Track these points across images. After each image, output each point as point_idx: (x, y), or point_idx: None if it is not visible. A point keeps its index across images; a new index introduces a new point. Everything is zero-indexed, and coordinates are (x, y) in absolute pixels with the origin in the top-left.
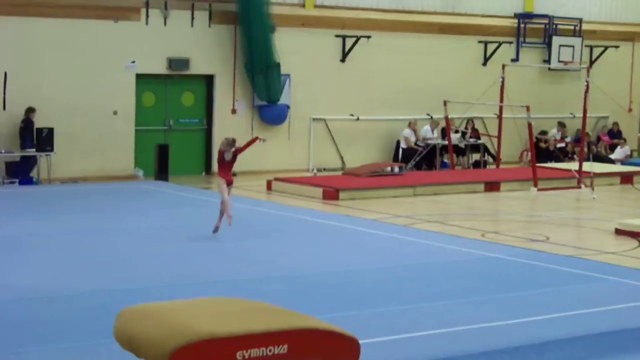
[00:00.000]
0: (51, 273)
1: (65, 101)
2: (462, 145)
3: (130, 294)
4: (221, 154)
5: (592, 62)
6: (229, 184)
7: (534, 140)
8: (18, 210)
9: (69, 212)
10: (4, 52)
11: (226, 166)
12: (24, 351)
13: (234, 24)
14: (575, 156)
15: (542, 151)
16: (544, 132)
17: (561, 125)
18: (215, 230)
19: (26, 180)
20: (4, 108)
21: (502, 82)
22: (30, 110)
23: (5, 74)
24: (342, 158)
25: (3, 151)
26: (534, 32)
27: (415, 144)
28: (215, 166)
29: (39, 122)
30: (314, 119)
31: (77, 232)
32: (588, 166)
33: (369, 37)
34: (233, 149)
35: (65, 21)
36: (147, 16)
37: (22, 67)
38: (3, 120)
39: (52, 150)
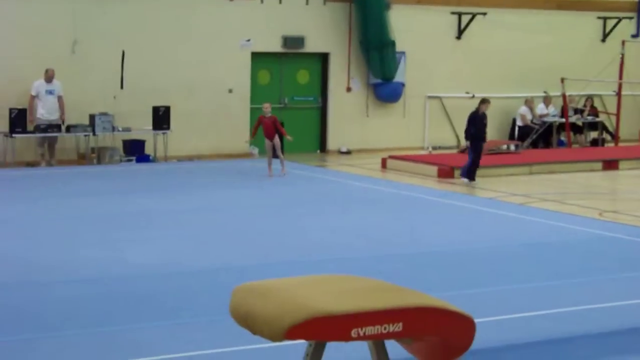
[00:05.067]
0: (167, 250)
1: (181, 80)
2: (579, 123)
3: (245, 271)
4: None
5: None
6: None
7: None
8: (135, 188)
9: (185, 189)
10: (122, 32)
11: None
12: (141, 326)
13: (349, 1)
14: None
15: None
16: None
17: None
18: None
19: (143, 158)
20: (122, 87)
21: (622, 59)
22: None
23: (123, 52)
24: (457, 136)
25: (121, 129)
26: None
27: (532, 121)
28: (330, 144)
29: (156, 100)
30: (429, 97)
31: (192, 209)
32: None
33: (485, 13)
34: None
35: (182, 0)
36: None
37: (139, 47)
38: (122, 99)
39: (168, 128)
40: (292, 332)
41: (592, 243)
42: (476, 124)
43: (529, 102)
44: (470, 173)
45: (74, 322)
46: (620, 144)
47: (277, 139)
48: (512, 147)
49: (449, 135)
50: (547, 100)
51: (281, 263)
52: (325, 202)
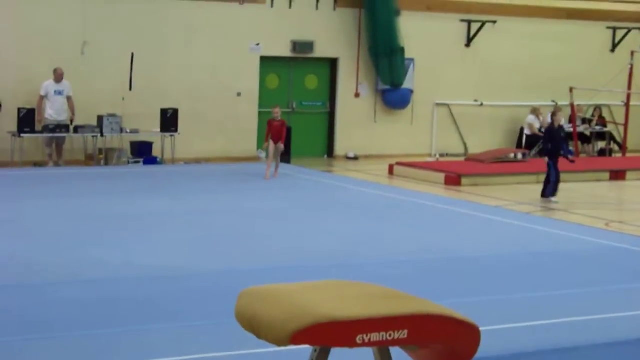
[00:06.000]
0: (172, 252)
1: (190, 82)
2: (587, 133)
3: (251, 275)
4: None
5: None
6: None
7: None
8: (142, 190)
9: (191, 192)
10: (132, 34)
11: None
12: (146, 329)
13: (359, 7)
14: None
15: None
16: None
17: None
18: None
19: (150, 160)
20: (131, 89)
21: (631, 69)
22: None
23: (133, 55)
24: (465, 144)
25: (129, 130)
26: None
27: (540, 130)
28: (337, 149)
29: (164, 103)
30: (437, 104)
31: (198, 212)
32: None
33: (494, 22)
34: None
35: (191, 3)
36: None
37: (148, 49)
38: (130, 101)
39: (176, 130)
40: (297, 337)
41: (598, 253)
42: (553, 138)
43: (536, 111)
44: (553, 190)
45: (78, 324)
46: (628, 155)
47: (280, 144)
48: (520, 156)
49: (457, 143)
50: (557, 109)
51: (287, 268)
52: (331, 207)
